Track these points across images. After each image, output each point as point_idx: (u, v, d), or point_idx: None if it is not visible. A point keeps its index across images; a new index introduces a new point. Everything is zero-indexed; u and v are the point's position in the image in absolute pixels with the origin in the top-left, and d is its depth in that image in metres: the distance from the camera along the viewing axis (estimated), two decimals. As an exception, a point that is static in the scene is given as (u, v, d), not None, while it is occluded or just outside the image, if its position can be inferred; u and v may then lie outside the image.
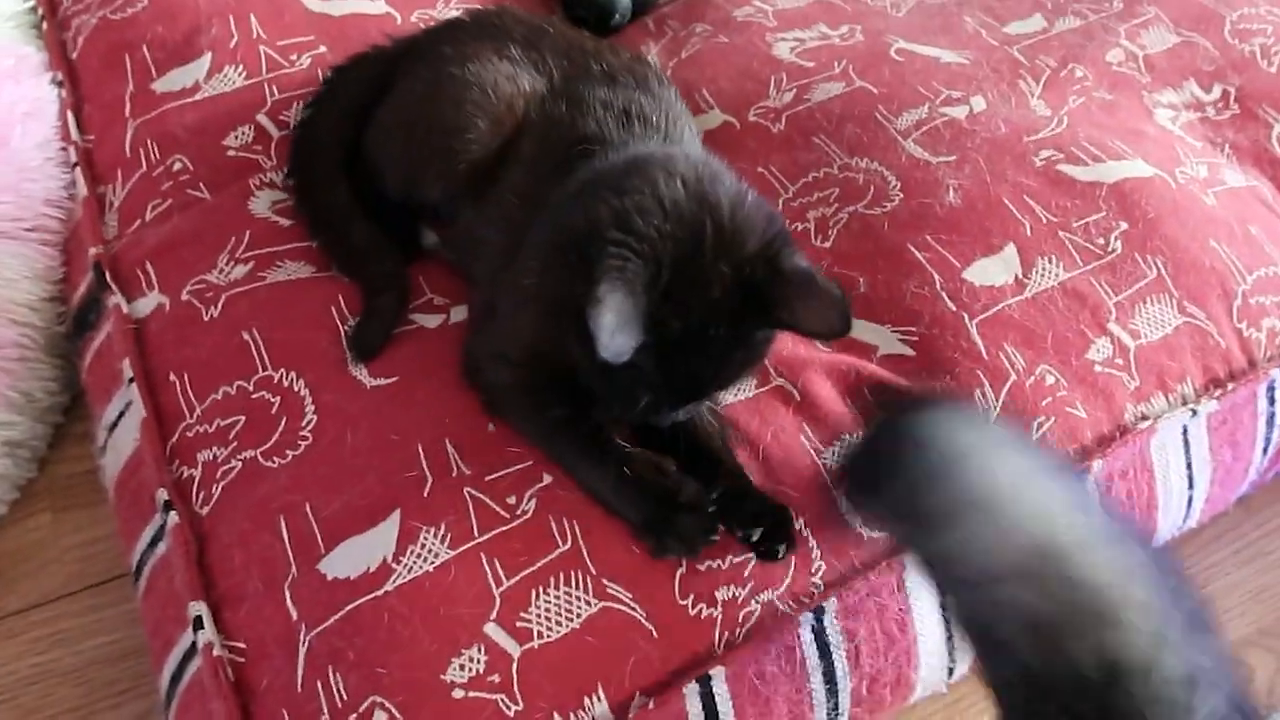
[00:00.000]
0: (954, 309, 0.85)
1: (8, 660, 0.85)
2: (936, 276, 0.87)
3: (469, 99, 0.82)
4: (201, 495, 0.74)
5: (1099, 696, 0.52)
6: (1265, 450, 0.88)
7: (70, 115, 1.02)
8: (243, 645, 0.67)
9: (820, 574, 0.72)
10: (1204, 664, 0.53)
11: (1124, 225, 0.90)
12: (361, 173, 0.89)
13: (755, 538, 0.71)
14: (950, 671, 0.79)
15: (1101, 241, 0.89)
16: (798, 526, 0.73)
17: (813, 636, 0.71)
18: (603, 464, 0.71)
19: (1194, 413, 0.83)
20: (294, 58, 1.03)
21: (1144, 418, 0.83)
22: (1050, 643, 0.53)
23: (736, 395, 0.79)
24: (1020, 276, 0.87)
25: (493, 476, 0.72)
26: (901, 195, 0.93)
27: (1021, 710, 0.56)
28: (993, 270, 0.88)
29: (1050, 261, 0.88)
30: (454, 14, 1.06)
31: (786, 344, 0.84)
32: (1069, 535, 0.56)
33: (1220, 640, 0.57)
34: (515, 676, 0.64)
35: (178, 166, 0.96)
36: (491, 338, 0.77)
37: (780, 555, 0.71)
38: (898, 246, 0.89)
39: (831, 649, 0.71)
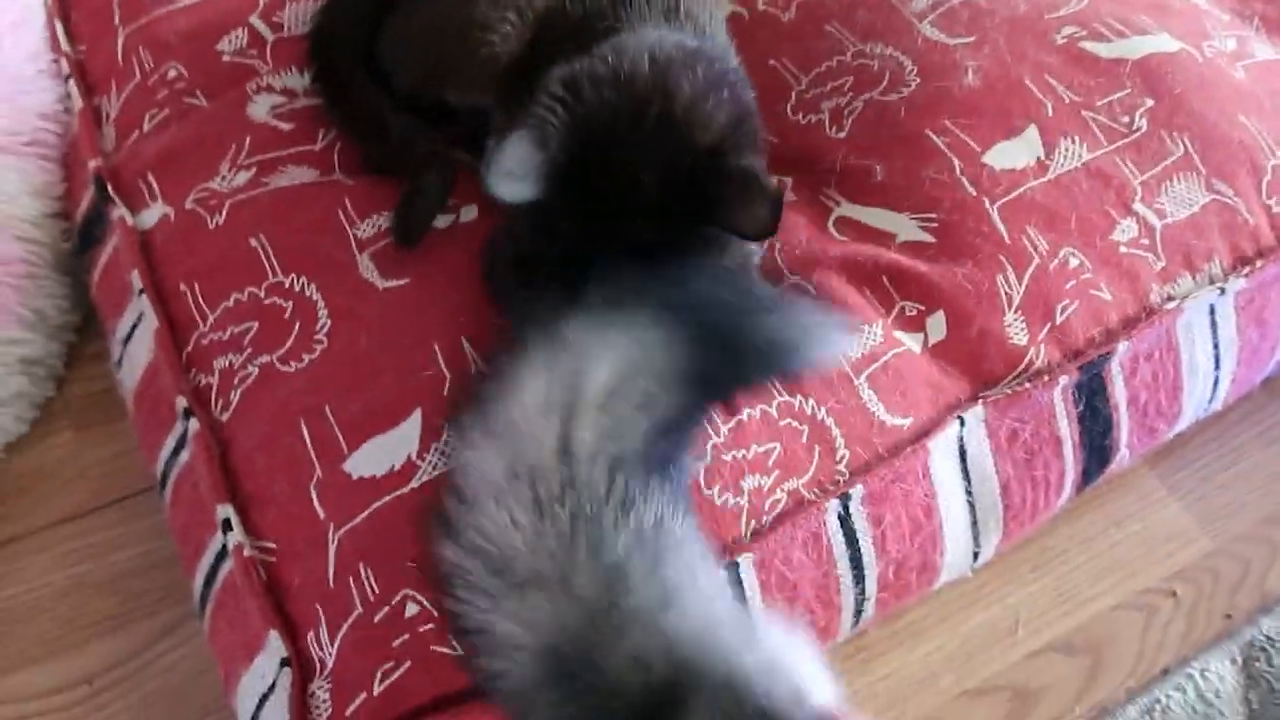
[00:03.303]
0: (974, 193, 0.83)
1: (42, 573, 0.86)
2: (956, 161, 0.85)
3: None
4: (220, 402, 0.74)
5: None
6: (1292, 328, 0.87)
7: (58, 24, 0.99)
8: (272, 545, 0.67)
9: (845, 462, 0.72)
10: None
11: (1149, 102, 0.87)
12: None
13: None
14: (975, 556, 0.79)
15: (1126, 120, 0.87)
16: (820, 416, 0.73)
17: (839, 523, 0.71)
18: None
19: (1221, 291, 0.82)
20: (284, -42, 0.99)
21: (1170, 298, 0.81)
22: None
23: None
24: (1042, 158, 0.85)
25: (512, 374, 0.71)
26: (918, 80, 0.90)
27: None
28: (1014, 153, 0.85)
29: (1073, 142, 0.86)
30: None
31: (800, 239, 0.82)
32: None
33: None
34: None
35: (172, 74, 0.94)
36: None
37: None
38: (915, 133, 0.87)
39: (858, 535, 0.71)
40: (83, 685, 0.80)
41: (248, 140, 0.87)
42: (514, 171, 0.61)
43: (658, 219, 0.64)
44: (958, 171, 0.84)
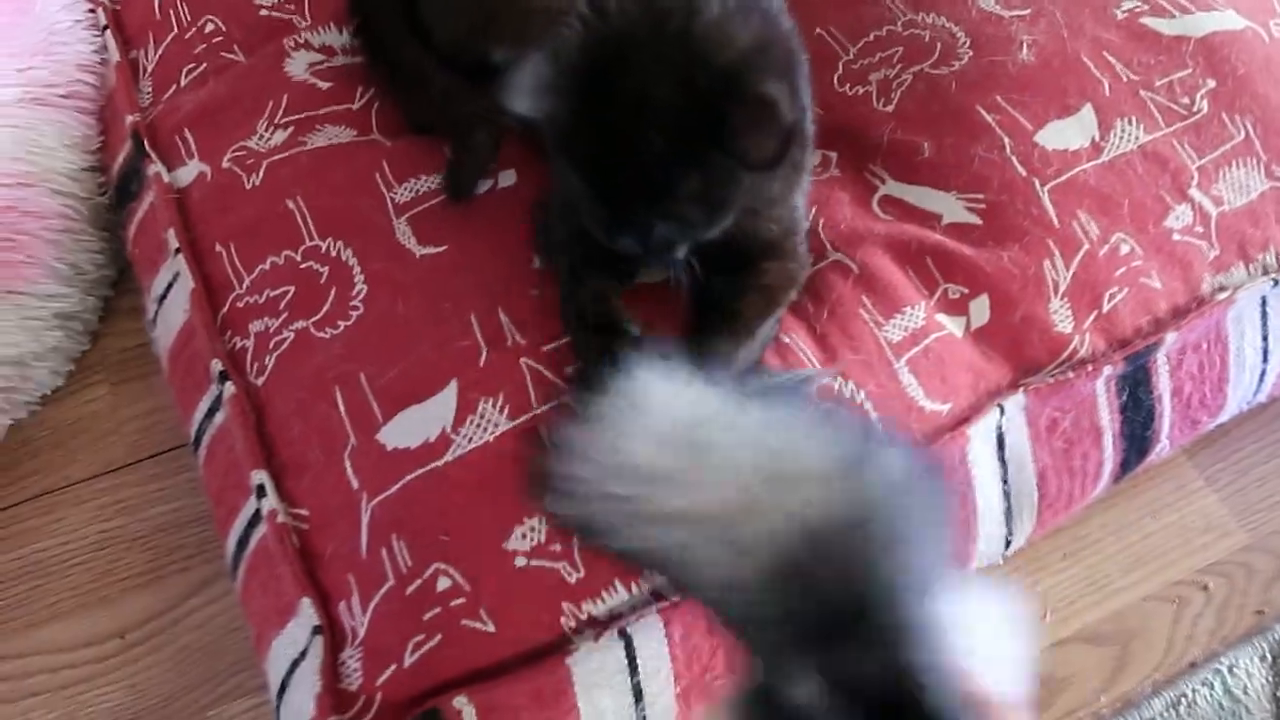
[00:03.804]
0: (1024, 174, 0.81)
1: (77, 526, 0.87)
2: (1006, 140, 0.83)
3: None
4: (255, 366, 0.74)
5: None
6: (1346, 322, 0.85)
7: (94, -27, 0.98)
8: (306, 513, 0.67)
9: (881, 447, 0.71)
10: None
11: (1211, 83, 0.84)
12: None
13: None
14: (1008, 543, 0.78)
15: (1186, 101, 0.84)
16: (859, 399, 0.72)
17: (872, 509, 0.70)
18: (575, 301, 0.70)
19: (1275, 283, 0.79)
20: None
21: (1222, 289, 0.79)
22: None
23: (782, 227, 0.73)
24: (1097, 139, 0.83)
25: (549, 347, 0.71)
26: (971, 53, 0.87)
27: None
28: (1068, 133, 0.83)
29: (1130, 123, 0.83)
30: None
31: (844, 216, 0.81)
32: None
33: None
34: (577, 545, 0.64)
35: (210, 28, 0.93)
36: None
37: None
38: (965, 108, 0.85)
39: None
40: (115, 639, 0.82)
41: (285, 98, 0.86)
42: (526, 85, 0.60)
43: (671, 140, 0.62)
44: (1008, 151, 0.82)
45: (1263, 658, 0.83)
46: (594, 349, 0.69)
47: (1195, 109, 0.83)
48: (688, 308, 0.73)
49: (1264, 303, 0.80)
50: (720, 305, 0.71)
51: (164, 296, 0.82)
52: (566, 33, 0.61)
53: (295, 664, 0.64)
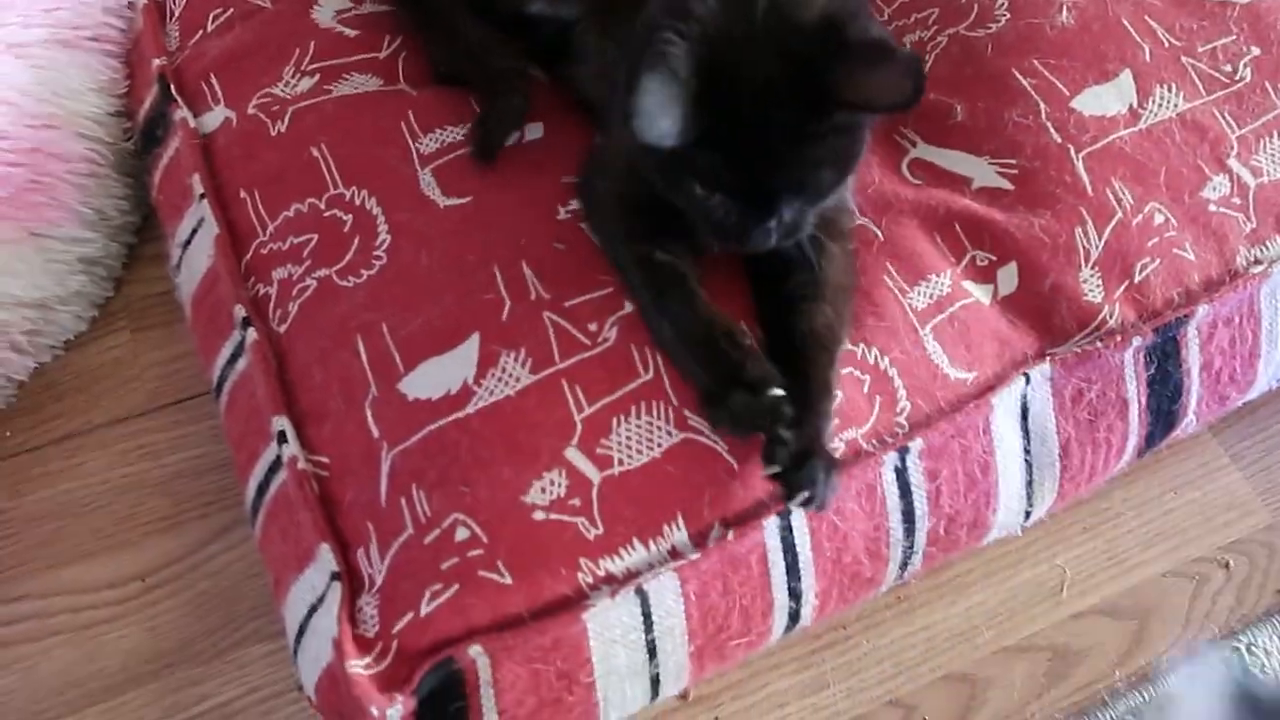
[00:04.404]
0: (1059, 140, 0.80)
1: (99, 470, 0.87)
2: (1042, 105, 0.81)
3: None
4: (278, 313, 0.74)
5: None
6: (1382, 300, 0.83)
7: (123, -85, 0.97)
8: (326, 460, 0.67)
9: (905, 414, 0.70)
10: None
11: (1255, 50, 0.82)
12: None
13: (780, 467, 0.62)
14: (1028, 515, 0.78)
15: (1229, 68, 0.82)
16: (883, 366, 0.71)
17: (894, 475, 0.69)
18: (670, 311, 0.67)
19: (1313, 258, 0.78)
20: None
21: (1257, 262, 0.78)
22: None
23: (837, 200, 0.71)
24: (1135, 106, 0.81)
25: (572, 302, 0.70)
26: (1008, 15, 0.86)
27: None
28: (1105, 99, 0.81)
29: (1169, 90, 0.81)
30: None
31: (872, 179, 0.79)
32: None
33: None
34: (596, 501, 0.64)
35: (236, -29, 0.92)
36: (602, 153, 0.73)
37: (791, 498, 0.63)
38: (1001, 71, 0.83)
39: (912, 489, 0.70)
40: (136, 581, 0.82)
41: (312, 45, 0.86)
42: (657, 112, 0.57)
43: (791, 112, 0.61)
44: (1043, 116, 0.81)
45: (1281, 637, 0.82)
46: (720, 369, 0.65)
47: (1238, 77, 0.82)
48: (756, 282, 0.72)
49: (1300, 278, 0.79)
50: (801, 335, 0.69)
51: (188, 242, 0.81)
52: (669, 49, 0.59)
53: (313, 609, 0.64)
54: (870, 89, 0.61)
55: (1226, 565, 0.86)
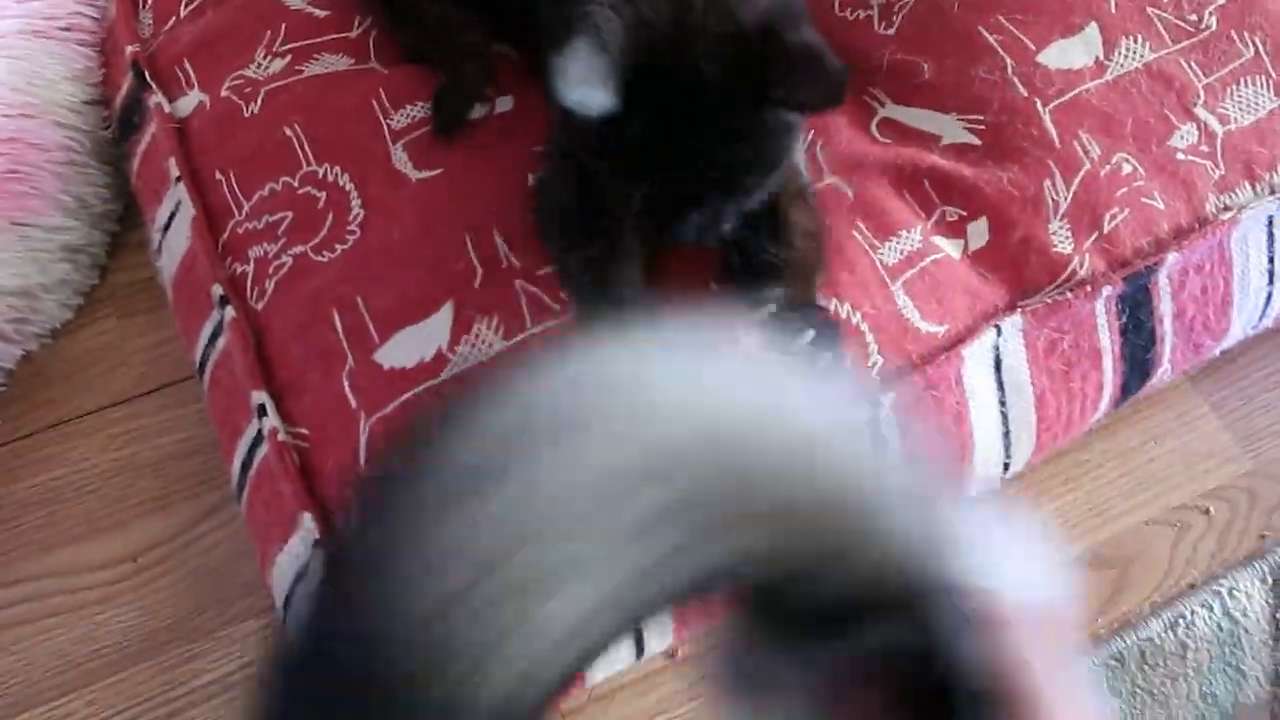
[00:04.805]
0: (1026, 94, 0.80)
1: (90, 454, 0.89)
2: (1008, 60, 0.81)
3: None
4: (256, 291, 0.75)
5: None
6: (1355, 244, 0.84)
7: (93, -95, 0.97)
8: (306, 431, 0.68)
9: (877, 368, 0.71)
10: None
11: (1221, -1, 0.82)
12: None
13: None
14: (1006, 467, 0.79)
15: (1194, 18, 0.82)
16: (854, 321, 0.72)
17: (867, 430, 0.70)
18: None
19: (1282, 202, 0.78)
20: None
21: (1226, 209, 0.78)
22: None
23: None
24: (1101, 58, 0.81)
25: (544, 271, 0.71)
26: (975, -27, 0.86)
27: None
28: (1071, 52, 0.82)
29: (1135, 41, 0.81)
30: None
31: (842, 140, 0.80)
32: None
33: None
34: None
35: (207, -42, 0.92)
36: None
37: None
38: (967, 29, 0.83)
39: (886, 443, 0.71)
40: (127, 562, 0.84)
41: (283, 27, 0.86)
42: (587, 79, 0.58)
43: (722, 109, 0.62)
44: (1009, 71, 0.81)
45: (1263, 580, 0.83)
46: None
47: (1203, 26, 0.82)
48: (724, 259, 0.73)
49: (1270, 223, 0.79)
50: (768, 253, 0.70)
51: (167, 226, 0.82)
52: (604, 22, 0.59)
53: (299, 577, 0.65)
54: (802, 91, 0.62)
55: (1207, 511, 0.86)
